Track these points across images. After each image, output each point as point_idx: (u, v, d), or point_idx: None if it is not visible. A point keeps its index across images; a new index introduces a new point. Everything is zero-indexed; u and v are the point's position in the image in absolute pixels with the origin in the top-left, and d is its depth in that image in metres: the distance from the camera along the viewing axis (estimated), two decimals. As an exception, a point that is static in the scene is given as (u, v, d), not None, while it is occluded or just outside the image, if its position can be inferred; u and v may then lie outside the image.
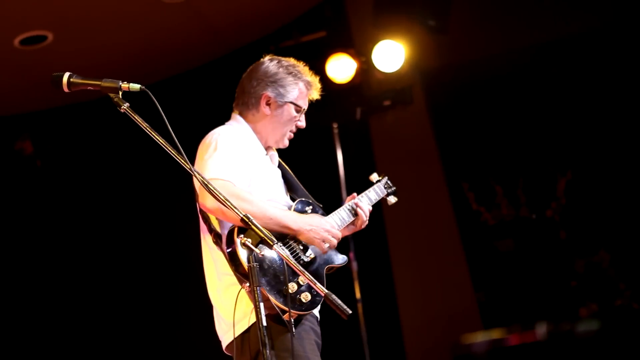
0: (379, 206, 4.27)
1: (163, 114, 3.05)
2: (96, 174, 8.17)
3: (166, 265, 7.84)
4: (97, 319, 7.92)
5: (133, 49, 7.43)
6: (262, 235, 3.01)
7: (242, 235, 3.09)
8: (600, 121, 7.53)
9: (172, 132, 3.03)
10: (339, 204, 6.18)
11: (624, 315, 7.26)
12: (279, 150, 4.06)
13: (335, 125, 7.42)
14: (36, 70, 7.15)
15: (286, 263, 3.17)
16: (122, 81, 3.13)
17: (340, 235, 3.78)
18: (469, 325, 7.06)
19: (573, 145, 7.64)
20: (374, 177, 4.39)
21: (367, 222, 4.04)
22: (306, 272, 3.13)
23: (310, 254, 3.68)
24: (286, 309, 3.38)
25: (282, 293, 3.41)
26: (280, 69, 3.93)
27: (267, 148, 3.96)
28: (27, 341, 7.87)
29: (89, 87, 3.19)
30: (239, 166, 3.60)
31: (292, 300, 3.43)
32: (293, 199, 3.90)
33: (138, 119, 3.09)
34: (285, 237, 3.63)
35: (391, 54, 7.28)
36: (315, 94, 4.02)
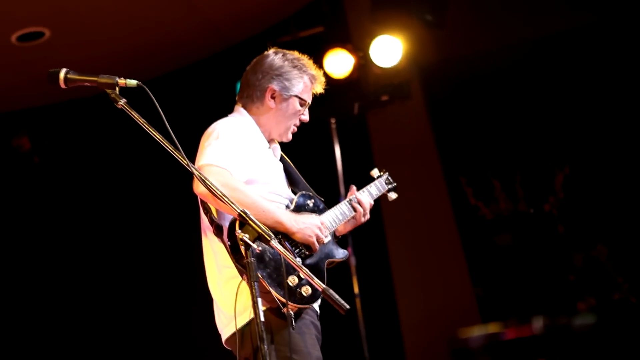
0: (377, 201, 4.27)
1: (160, 110, 3.05)
2: (94, 170, 8.16)
3: (166, 261, 7.84)
4: (96, 317, 7.92)
5: (131, 44, 7.42)
6: (260, 231, 3.01)
7: (239, 231, 3.08)
8: (597, 115, 7.53)
9: (169, 127, 3.03)
10: (336, 198, 6.20)
11: (622, 309, 7.27)
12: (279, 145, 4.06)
13: (333, 121, 7.42)
14: (34, 66, 7.15)
15: (282, 255, 3.17)
16: (119, 77, 3.13)
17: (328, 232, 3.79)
18: (467, 320, 7.06)
19: (571, 139, 7.64)
20: (375, 172, 4.39)
21: (368, 216, 4.05)
22: (304, 268, 3.14)
23: (310, 247, 3.68)
24: (286, 302, 3.38)
25: (283, 286, 3.41)
26: (286, 62, 3.92)
27: (270, 141, 3.95)
28: (24, 339, 7.87)
29: (85, 83, 3.19)
30: (239, 156, 3.59)
31: (292, 293, 3.44)
32: (295, 193, 3.90)
33: (135, 115, 3.09)
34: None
35: (389, 49, 7.28)
36: (320, 88, 4.02)
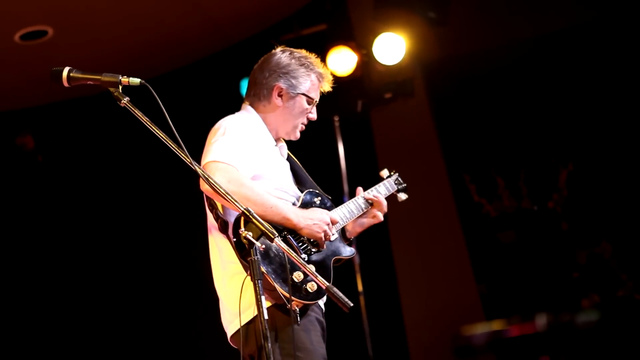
0: (380, 198, 4.26)
1: (163, 108, 3.05)
2: (98, 168, 8.17)
3: (171, 259, 7.84)
4: (101, 316, 7.92)
5: (134, 43, 7.42)
6: (263, 229, 3.01)
7: (242, 229, 3.08)
8: (601, 112, 7.53)
9: (172, 126, 3.03)
10: (340, 196, 6.20)
11: (626, 306, 7.27)
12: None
13: (336, 118, 7.43)
14: (37, 65, 7.15)
15: (285, 253, 3.17)
16: (122, 75, 3.14)
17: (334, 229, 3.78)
18: (471, 317, 7.06)
19: (574, 136, 7.64)
20: (385, 172, 4.38)
21: (384, 208, 4.05)
22: (307, 265, 3.15)
23: (317, 244, 3.68)
24: (293, 298, 3.38)
25: (288, 282, 3.40)
26: (293, 60, 3.92)
27: (277, 140, 3.95)
28: (26, 339, 7.87)
29: (88, 82, 3.20)
30: (245, 153, 3.58)
31: (298, 289, 3.44)
32: (302, 191, 3.89)
33: (138, 113, 3.10)
34: None
35: (392, 47, 7.27)
36: (327, 86, 4.02)
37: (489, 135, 7.83)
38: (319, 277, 3.11)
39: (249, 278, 3.36)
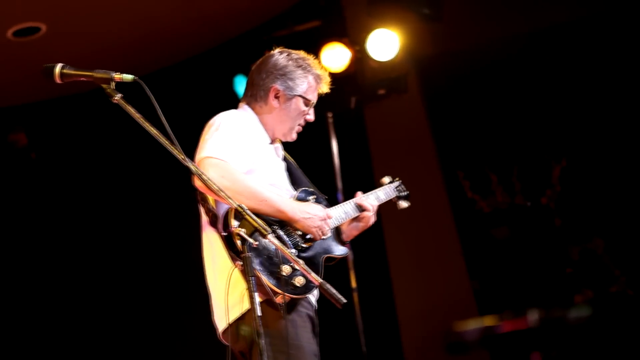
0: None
1: (156, 104, 3.04)
2: (91, 165, 8.15)
3: (165, 256, 7.84)
4: (94, 314, 7.91)
5: (127, 39, 7.41)
6: (256, 225, 3.01)
7: (236, 226, 3.08)
8: (594, 108, 7.53)
9: (165, 122, 3.03)
10: (334, 193, 6.20)
11: (619, 301, 7.28)
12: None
13: (329, 115, 7.42)
14: (30, 61, 7.13)
15: (279, 249, 3.17)
16: (115, 72, 3.13)
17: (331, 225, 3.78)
18: (464, 313, 7.07)
19: (567, 132, 7.65)
20: (386, 179, 4.40)
21: (374, 218, 4.05)
22: (300, 261, 3.14)
23: (308, 239, 3.68)
24: (278, 291, 3.38)
25: (275, 275, 3.40)
26: (290, 62, 3.92)
27: (273, 140, 3.95)
28: (20, 336, 7.85)
29: (81, 78, 3.19)
30: (239, 148, 3.59)
31: (285, 283, 3.42)
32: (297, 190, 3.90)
33: (131, 110, 3.09)
34: (284, 221, 3.63)
35: (385, 43, 7.27)
36: (325, 88, 4.02)
37: (482, 132, 7.84)
38: (312, 274, 3.10)
39: (236, 273, 3.38)
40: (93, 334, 7.88)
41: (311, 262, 3.62)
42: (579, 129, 7.59)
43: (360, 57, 7.38)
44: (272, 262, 3.41)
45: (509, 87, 7.71)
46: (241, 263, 3.25)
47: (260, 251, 3.41)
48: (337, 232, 4.00)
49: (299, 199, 3.81)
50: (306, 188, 3.91)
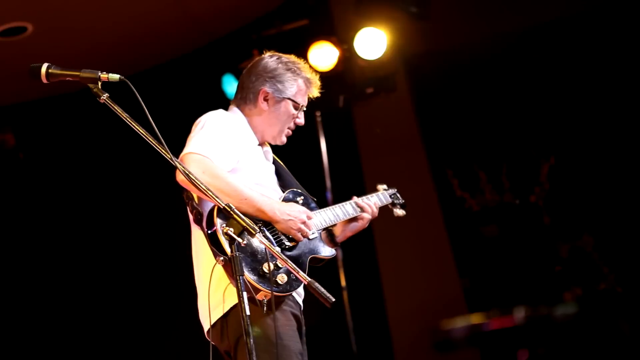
0: (363, 194, 4.27)
1: (143, 104, 3.04)
2: (79, 165, 8.13)
3: (153, 256, 7.82)
4: (81, 313, 7.89)
5: (114, 39, 7.39)
6: (245, 225, 3.01)
7: (224, 225, 3.08)
8: (582, 106, 7.55)
9: (152, 122, 3.02)
10: (323, 192, 6.18)
11: (607, 298, 7.31)
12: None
13: (318, 114, 7.42)
14: (16, 61, 7.07)
15: (268, 250, 3.16)
16: (102, 72, 3.13)
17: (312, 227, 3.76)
18: (454, 311, 7.07)
19: (556, 130, 7.66)
20: (381, 186, 4.43)
21: (369, 219, 4.07)
22: (289, 261, 3.14)
23: (293, 239, 3.67)
24: (260, 287, 3.36)
25: (257, 271, 3.39)
26: (280, 65, 3.94)
27: (262, 144, 3.96)
28: (7, 336, 7.83)
29: (67, 78, 3.19)
30: (223, 146, 3.59)
31: (267, 280, 3.40)
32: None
33: (118, 109, 3.08)
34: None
35: (373, 42, 7.27)
36: (315, 92, 4.03)
37: (471, 130, 7.85)
38: (300, 273, 3.10)
39: (219, 271, 3.38)
40: (83, 333, 7.86)
41: (296, 262, 3.60)
42: (567, 127, 7.61)
43: (348, 56, 7.38)
44: (254, 259, 3.41)
45: (498, 85, 7.73)
46: (222, 258, 3.27)
47: (243, 248, 3.39)
48: (330, 234, 3.99)
49: (287, 200, 3.81)
50: (294, 189, 3.91)
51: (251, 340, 2.94)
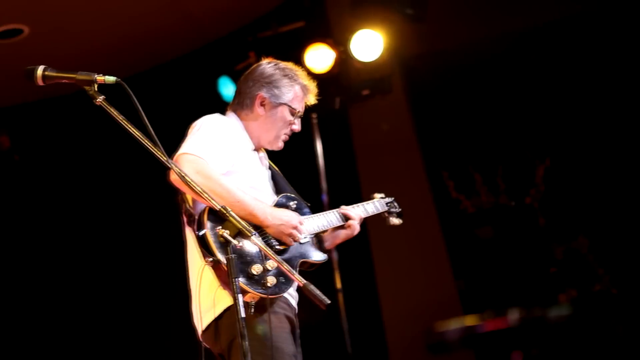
0: (358, 199, 4.27)
1: (138, 106, 3.04)
2: (75, 167, 8.13)
3: (148, 259, 7.82)
4: (76, 314, 7.89)
5: (111, 41, 7.39)
6: (240, 227, 3.02)
7: (219, 227, 3.09)
8: (578, 108, 7.57)
9: (147, 124, 3.02)
10: (319, 194, 6.18)
11: (602, 300, 7.32)
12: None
13: (314, 116, 7.42)
14: (13, 64, 7.08)
15: (263, 251, 3.17)
16: (98, 74, 3.13)
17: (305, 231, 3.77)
18: (449, 313, 7.08)
19: (551, 132, 7.68)
20: (378, 195, 4.43)
21: (358, 228, 4.05)
22: (284, 263, 3.15)
23: (283, 242, 3.68)
24: (248, 289, 3.36)
25: (246, 274, 3.39)
26: (277, 71, 3.97)
27: (258, 149, 3.97)
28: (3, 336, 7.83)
29: (63, 80, 3.19)
30: (217, 148, 3.60)
31: (256, 282, 3.41)
32: None
33: (113, 112, 3.09)
34: None
35: (369, 44, 7.28)
36: (312, 99, 4.06)
37: (466, 132, 7.86)
38: (296, 275, 3.11)
39: (209, 274, 3.39)
40: (78, 335, 7.86)
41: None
42: (563, 128, 7.62)
43: (344, 58, 7.38)
44: (243, 261, 3.40)
45: (493, 87, 7.74)
46: (211, 260, 3.28)
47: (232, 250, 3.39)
48: (319, 239, 4.00)
49: (280, 204, 3.81)
50: (288, 194, 3.92)
51: (246, 342, 2.94)
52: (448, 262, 7.59)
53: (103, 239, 7.99)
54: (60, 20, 6.84)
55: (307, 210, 3.93)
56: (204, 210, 3.42)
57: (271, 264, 3.45)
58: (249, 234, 3.01)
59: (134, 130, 3.05)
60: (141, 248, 7.84)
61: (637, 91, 7.37)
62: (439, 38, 7.76)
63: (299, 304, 3.78)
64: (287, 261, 3.61)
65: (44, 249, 8.04)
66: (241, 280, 3.34)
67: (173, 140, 3.64)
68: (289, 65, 4.05)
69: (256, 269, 3.42)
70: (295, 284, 3.62)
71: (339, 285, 7.07)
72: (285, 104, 3.94)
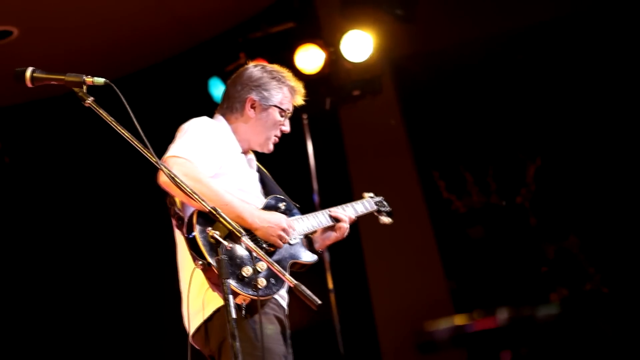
0: (349, 199, 4.27)
1: (128, 107, 3.04)
2: (65, 169, 8.11)
3: (139, 260, 7.81)
4: (69, 316, 7.88)
5: (100, 42, 7.38)
6: (230, 228, 3.02)
7: (209, 228, 3.10)
8: (568, 108, 7.58)
9: (137, 125, 3.02)
10: (310, 195, 6.17)
11: (593, 299, 7.34)
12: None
13: (304, 116, 7.42)
14: (2, 65, 7.08)
15: (254, 253, 3.17)
16: (87, 75, 3.13)
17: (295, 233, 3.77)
18: (441, 313, 7.08)
19: (542, 131, 7.69)
20: (367, 194, 4.43)
21: (347, 228, 4.04)
22: (275, 264, 3.15)
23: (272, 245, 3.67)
24: (238, 291, 3.36)
25: (237, 276, 3.39)
26: (265, 74, 3.99)
27: (247, 152, 3.98)
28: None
29: (52, 82, 3.18)
30: (205, 150, 3.60)
31: (246, 284, 3.41)
32: None
33: (103, 113, 3.08)
34: None
35: (359, 44, 7.28)
36: (300, 100, 4.09)
37: (457, 132, 7.87)
38: (287, 275, 3.12)
39: (200, 276, 3.38)
40: (71, 336, 7.84)
41: None
42: (553, 128, 7.64)
43: (334, 59, 7.38)
44: (233, 263, 3.41)
45: (484, 87, 7.75)
46: (201, 263, 3.28)
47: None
48: (310, 241, 4.00)
49: (269, 206, 3.81)
50: (277, 195, 3.92)
51: (237, 343, 2.94)
52: (440, 262, 7.60)
53: (94, 240, 7.98)
54: (49, 22, 6.83)
55: (296, 211, 3.94)
56: (193, 212, 3.42)
57: (261, 266, 3.46)
58: (239, 235, 3.00)
59: (124, 131, 3.04)
60: (132, 250, 7.83)
61: (628, 91, 7.39)
62: (429, 38, 7.77)
63: (289, 305, 3.78)
64: (277, 262, 3.61)
65: (34, 251, 8.02)
66: (232, 283, 3.33)
67: (163, 141, 3.63)
68: (276, 67, 4.07)
69: (246, 271, 3.42)
70: (285, 285, 3.64)
71: (330, 285, 7.07)
72: (275, 105, 3.96)
